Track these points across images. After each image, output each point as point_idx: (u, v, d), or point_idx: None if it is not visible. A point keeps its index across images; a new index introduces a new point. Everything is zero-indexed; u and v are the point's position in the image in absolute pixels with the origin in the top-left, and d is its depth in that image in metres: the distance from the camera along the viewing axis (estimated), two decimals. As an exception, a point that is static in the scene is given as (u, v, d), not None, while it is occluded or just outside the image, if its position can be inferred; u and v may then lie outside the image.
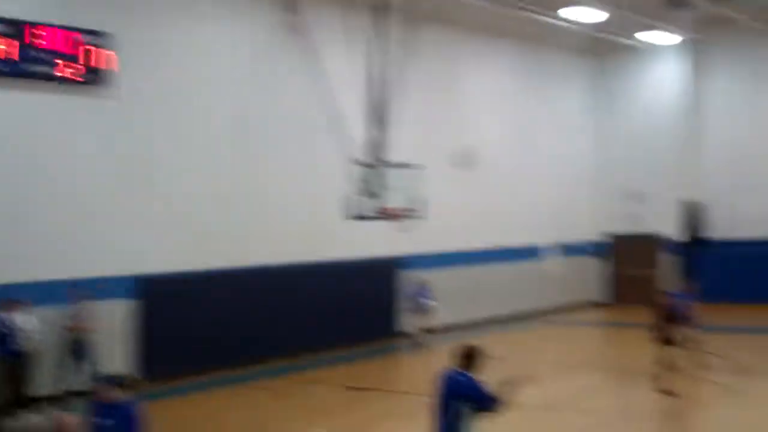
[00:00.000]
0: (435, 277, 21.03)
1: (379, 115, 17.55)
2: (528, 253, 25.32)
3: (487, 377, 7.51)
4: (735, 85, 26.47)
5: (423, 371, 17.98)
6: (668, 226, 26.51)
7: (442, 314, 21.34)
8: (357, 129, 17.69)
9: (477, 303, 23.39)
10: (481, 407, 7.40)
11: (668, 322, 14.30)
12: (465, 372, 7.56)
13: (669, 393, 13.80)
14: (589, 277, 27.76)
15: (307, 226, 19.20)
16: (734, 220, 25.96)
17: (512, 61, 25.38)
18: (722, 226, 26.17)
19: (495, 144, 24.34)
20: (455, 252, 22.84)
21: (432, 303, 19.78)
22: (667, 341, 14.18)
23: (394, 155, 17.28)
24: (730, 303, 24.72)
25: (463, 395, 7.43)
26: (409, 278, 20.64)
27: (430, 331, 19.83)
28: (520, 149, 25.32)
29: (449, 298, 21.91)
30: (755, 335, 20.71)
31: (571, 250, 27.00)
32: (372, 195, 16.88)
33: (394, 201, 16.96)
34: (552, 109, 26.76)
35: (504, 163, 24.63)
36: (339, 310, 19.74)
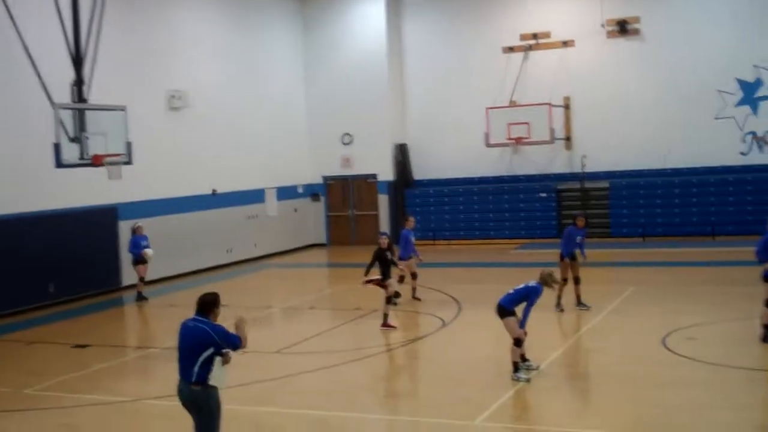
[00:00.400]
0: (153, 225, 20.34)
1: (81, 57, 16.62)
2: (247, 197, 25.19)
3: (222, 323, 7.50)
4: (433, 27, 27.88)
5: (151, 323, 17.57)
6: (380, 168, 27.59)
7: (163, 264, 20.77)
8: (60, 72, 16.66)
9: (198, 250, 22.98)
10: (225, 351, 7.36)
11: (384, 261, 14.90)
12: (205, 319, 7.50)
13: (391, 327, 14.47)
14: (308, 220, 28.25)
15: (11, 174, 17.71)
16: (438, 161, 27.59)
17: (222, 4, 24.88)
18: (426, 167, 27.76)
19: (209, 87, 23.83)
20: (171, 198, 22.18)
21: (150, 252, 18.98)
22: (383, 279, 14.80)
23: (101, 98, 16.38)
24: (435, 240, 26.39)
25: (206, 342, 7.36)
26: (128, 228, 19.73)
27: (144, 281, 19.11)
28: (234, 93, 24.98)
29: (169, 247, 21.35)
30: (460, 269, 22.18)
31: (289, 193, 27.25)
32: (78, 140, 16.05)
33: (101, 146, 16.23)
34: (264, 54, 26.64)
35: (219, 107, 24.19)
36: (56, 264, 18.63)
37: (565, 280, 15.22)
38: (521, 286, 11.34)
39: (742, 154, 24.51)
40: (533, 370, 11.33)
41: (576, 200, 25.72)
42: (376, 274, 14.92)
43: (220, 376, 7.47)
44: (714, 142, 24.55)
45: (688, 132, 24.80)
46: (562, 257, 15.51)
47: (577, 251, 15.57)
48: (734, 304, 15.26)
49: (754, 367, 11.45)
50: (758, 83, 24.27)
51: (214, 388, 7.44)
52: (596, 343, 13.62)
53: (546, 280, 11.32)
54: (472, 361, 12.15)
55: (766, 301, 12.24)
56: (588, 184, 25.75)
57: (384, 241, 15.32)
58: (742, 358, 11.79)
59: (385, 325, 14.60)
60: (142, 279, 18.89)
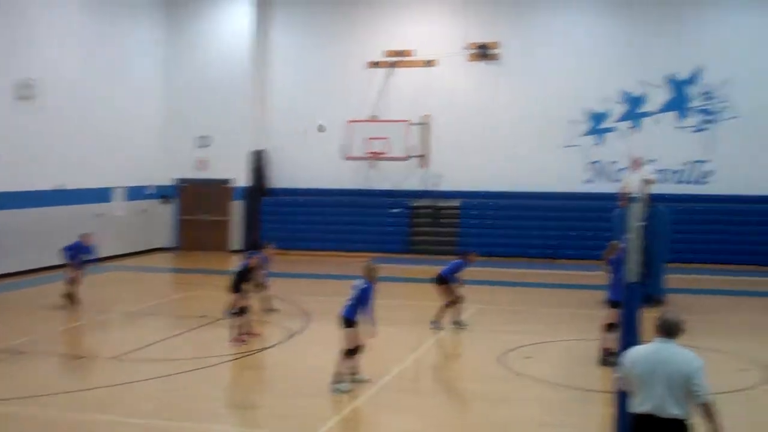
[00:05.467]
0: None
1: None
2: (94, 196, 24.25)
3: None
4: (301, 37, 27.86)
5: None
6: (237, 173, 27.20)
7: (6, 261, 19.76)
8: None
9: (41, 248, 21.85)
10: None
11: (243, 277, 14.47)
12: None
13: (241, 338, 14.14)
14: (157, 222, 27.47)
15: None
16: (298, 170, 27.47)
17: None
18: (286, 176, 27.59)
19: (63, 78, 22.81)
20: (17, 191, 21.08)
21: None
22: (236, 288, 14.42)
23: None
24: (288, 250, 26.17)
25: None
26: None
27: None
28: (90, 85, 23.98)
29: (13, 243, 20.30)
30: (312, 280, 22.10)
31: (138, 194, 26.44)
32: None
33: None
34: (123, 45, 25.74)
35: (72, 99, 23.19)
36: None
37: (451, 302, 15.34)
38: (352, 292, 11.34)
39: (586, 182, 25.64)
40: (362, 381, 11.31)
41: (427, 217, 26.21)
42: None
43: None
44: (561, 169, 25.57)
45: (538, 157, 25.72)
46: (443, 281, 15.47)
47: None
48: (572, 325, 15.87)
49: (588, 387, 11.88)
50: (605, 115, 25.48)
51: None
52: (437, 360, 13.82)
53: (370, 274, 11.36)
54: (315, 373, 12.07)
55: (606, 326, 12.70)
56: (440, 203, 26.27)
57: (254, 261, 14.87)
58: (576, 378, 12.23)
59: (238, 338, 14.10)
60: None
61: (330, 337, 13.99)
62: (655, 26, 25.21)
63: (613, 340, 11.84)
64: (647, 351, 6.71)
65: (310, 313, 16.74)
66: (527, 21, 26.24)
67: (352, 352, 11.17)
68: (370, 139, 25.57)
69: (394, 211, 26.60)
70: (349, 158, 26.10)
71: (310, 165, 27.36)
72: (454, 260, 15.83)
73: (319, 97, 27.34)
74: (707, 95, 24.88)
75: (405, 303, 17.90)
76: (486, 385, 11.86)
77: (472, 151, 26.22)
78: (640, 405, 6.60)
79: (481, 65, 26.33)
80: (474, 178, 26.21)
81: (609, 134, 25.53)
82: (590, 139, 25.67)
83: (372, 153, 25.65)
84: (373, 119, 26.49)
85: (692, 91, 25.01)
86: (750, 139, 24.33)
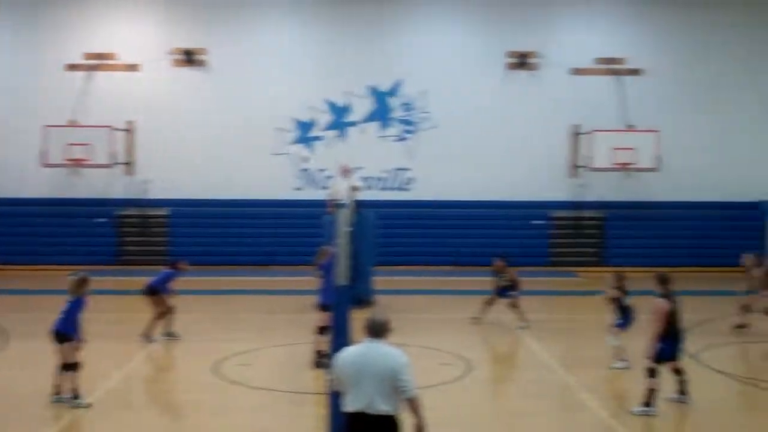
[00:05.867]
0: None
1: None
2: None
3: None
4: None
5: None
6: None
7: None
8: None
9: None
10: None
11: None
12: None
13: None
14: None
15: None
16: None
17: None
18: None
19: None
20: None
21: None
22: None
23: None
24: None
25: None
26: None
27: None
28: None
29: None
30: (9, 296, 20.54)
31: None
32: None
33: None
34: None
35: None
36: None
37: (162, 313, 14.95)
38: (65, 306, 10.84)
39: (296, 189, 26.09)
40: (81, 406, 10.77)
41: (135, 227, 25.37)
42: None
43: None
44: (271, 177, 25.82)
45: (247, 164, 25.76)
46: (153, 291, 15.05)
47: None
48: (285, 330, 16.05)
49: (302, 390, 12.07)
50: (312, 123, 26.10)
51: None
52: (150, 372, 13.40)
53: (77, 288, 10.91)
54: (23, 393, 11.22)
55: (318, 329, 12.95)
56: (148, 211, 25.50)
57: None
58: (291, 382, 12.38)
59: None
60: None
61: (35, 356, 13.13)
62: (358, 38, 26.23)
63: (325, 342, 12.10)
64: (356, 351, 6.92)
65: (9, 331, 15.55)
66: (233, 28, 26.19)
67: (69, 367, 10.56)
68: (70, 145, 24.20)
69: (100, 220, 25.42)
70: (46, 165, 24.55)
71: (2, 172, 25.43)
72: (165, 270, 15.45)
73: (11, 101, 25.52)
74: (407, 106, 26.31)
75: (115, 316, 17.14)
76: (201, 395, 11.67)
77: (181, 158, 25.72)
78: (351, 403, 6.80)
79: (188, 71, 25.93)
80: (183, 185, 25.71)
81: (317, 143, 26.18)
82: (299, 147, 26.16)
83: (73, 160, 24.30)
84: (73, 124, 25.12)
85: (393, 102, 26.32)
86: (447, 148, 26.00)
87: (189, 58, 25.73)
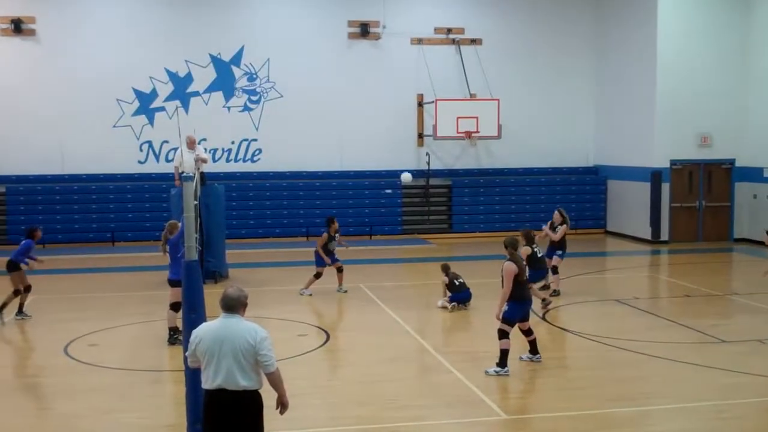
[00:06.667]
0: None
1: None
2: None
3: None
4: None
5: None
6: None
7: None
8: None
9: None
10: None
11: None
12: None
13: None
14: None
15: None
16: None
17: None
18: None
19: None
20: None
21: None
22: None
23: None
24: None
25: None
26: None
27: None
28: None
29: None
30: None
31: None
32: None
33: None
34: None
35: None
36: None
37: (17, 291, 14.56)
38: None
39: (140, 162, 25.26)
40: None
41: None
42: None
43: None
44: (113, 150, 24.85)
45: (87, 138, 24.69)
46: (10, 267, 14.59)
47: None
48: (132, 308, 15.61)
49: (157, 368, 11.80)
50: (154, 94, 25.24)
51: None
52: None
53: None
54: None
55: (171, 305, 12.67)
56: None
57: None
58: (145, 360, 12.09)
59: None
60: None
61: None
62: (198, 5, 25.39)
63: (178, 318, 11.90)
64: (213, 327, 6.79)
65: None
66: (65, -6, 24.87)
67: None
68: None
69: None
70: None
71: None
72: (24, 241, 14.93)
73: None
74: (251, 76, 25.82)
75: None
76: (53, 378, 11.25)
77: (16, 132, 24.35)
78: (211, 380, 6.68)
79: (16, 41, 24.46)
80: (19, 161, 24.39)
81: (159, 113, 25.31)
82: (141, 119, 25.25)
83: None
84: None
85: (237, 72, 25.77)
86: (293, 118, 25.77)
87: (17, 26, 24.25)
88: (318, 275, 16.96)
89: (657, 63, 23.93)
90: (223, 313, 6.79)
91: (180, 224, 12.41)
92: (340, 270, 17.08)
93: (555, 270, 16.56)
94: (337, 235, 17.09)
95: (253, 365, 6.66)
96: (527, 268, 11.67)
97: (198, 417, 7.37)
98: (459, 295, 15.40)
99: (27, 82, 24.51)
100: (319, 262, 17.02)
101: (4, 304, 14.49)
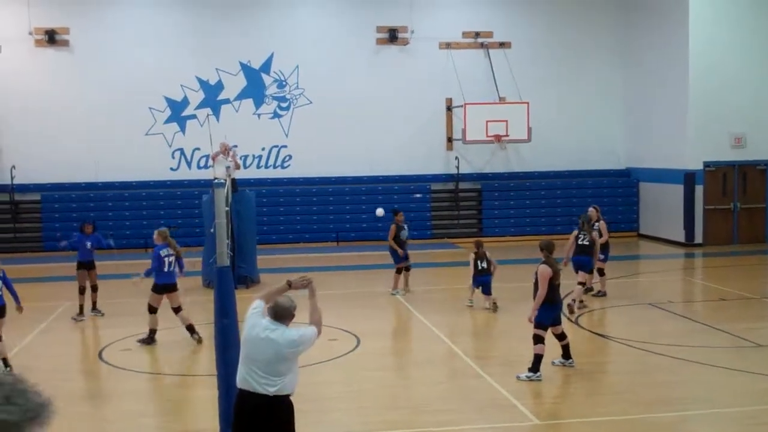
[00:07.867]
0: None
1: None
2: None
3: None
4: None
5: None
6: None
7: None
8: None
9: None
10: None
11: None
12: None
13: None
14: None
15: None
16: None
17: None
18: None
19: None
20: None
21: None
22: None
23: None
24: None
25: None
26: None
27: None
28: None
29: None
30: None
31: None
32: None
33: None
34: None
35: None
36: None
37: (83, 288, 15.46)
38: None
39: (172, 169, 25.46)
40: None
41: (6, 213, 24.37)
42: None
43: None
44: (145, 158, 25.06)
45: (120, 146, 24.92)
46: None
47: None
48: (167, 313, 15.64)
49: (187, 372, 11.87)
50: (185, 102, 25.44)
51: None
52: (30, 362, 12.87)
53: None
54: None
55: (174, 310, 13.32)
56: (18, 197, 24.43)
57: None
58: (175, 365, 12.18)
59: None
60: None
61: None
62: (228, 14, 25.55)
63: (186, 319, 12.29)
64: (254, 331, 6.81)
65: None
66: (97, 4, 25.10)
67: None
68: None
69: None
70: None
71: None
72: (93, 235, 16.02)
73: None
74: (280, 83, 25.96)
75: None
76: (85, 382, 11.36)
77: (49, 141, 24.64)
78: (243, 381, 6.74)
79: (50, 51, 24.78)
80: (53, 169, 24.68)
81: (190, 121, 25.51)
82: (172, 126, 25.46)
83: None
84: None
85: (266, 79, 25.91)
86: (323, 124, 25.83)
87: (51, 37, 24.58)
88: (399, 271, 17.01)
89: (689, 64, 23.65)
90: (268, 319, 6.87)
91: (165, 234, 12.95)
92: (407, 269, 17.08)
93: (601, 272, 16.47)
94: (405, 225, 17.11)
95: (287, 372, 6.69)
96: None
97: (229, 422, 7.40)
98: (480, 279, 15.45)
99: (61, 92, 24.81)
100: (396, 258, 17.09)
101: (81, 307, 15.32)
